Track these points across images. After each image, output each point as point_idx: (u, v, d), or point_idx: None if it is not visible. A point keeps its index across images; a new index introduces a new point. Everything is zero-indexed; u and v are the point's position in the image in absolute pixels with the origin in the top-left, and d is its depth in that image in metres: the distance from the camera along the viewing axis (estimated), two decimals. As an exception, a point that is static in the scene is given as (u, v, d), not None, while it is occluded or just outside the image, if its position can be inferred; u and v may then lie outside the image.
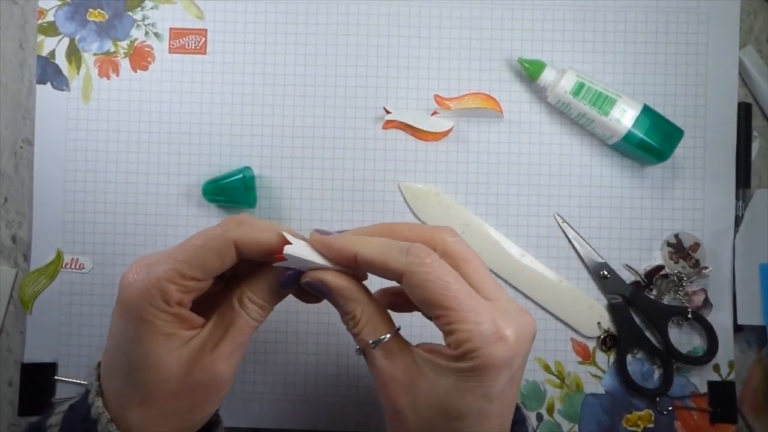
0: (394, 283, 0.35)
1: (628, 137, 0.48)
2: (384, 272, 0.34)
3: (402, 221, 0.50)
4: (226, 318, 0.35)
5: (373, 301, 0.35)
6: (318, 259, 0.35)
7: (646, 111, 0.49)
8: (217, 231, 0.34)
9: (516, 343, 0.32)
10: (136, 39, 0.52)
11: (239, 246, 0.34)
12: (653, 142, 0.48)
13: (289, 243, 0.34)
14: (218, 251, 0.34)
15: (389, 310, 0.36)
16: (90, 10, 0.52)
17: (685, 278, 0.51)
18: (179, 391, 0.34)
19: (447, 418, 0.32)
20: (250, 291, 0.36)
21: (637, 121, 0.48)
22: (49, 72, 0.52)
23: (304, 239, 0.36)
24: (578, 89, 0.48)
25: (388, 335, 0.34)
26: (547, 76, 0.49)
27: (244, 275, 0.37)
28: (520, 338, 0.32)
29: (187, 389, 0.34)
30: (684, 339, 0.52)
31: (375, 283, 0.36)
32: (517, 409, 0.36)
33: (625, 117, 0.48)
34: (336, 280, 0.35)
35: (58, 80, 0.52)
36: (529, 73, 0.50)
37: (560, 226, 0.52)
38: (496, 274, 0.51)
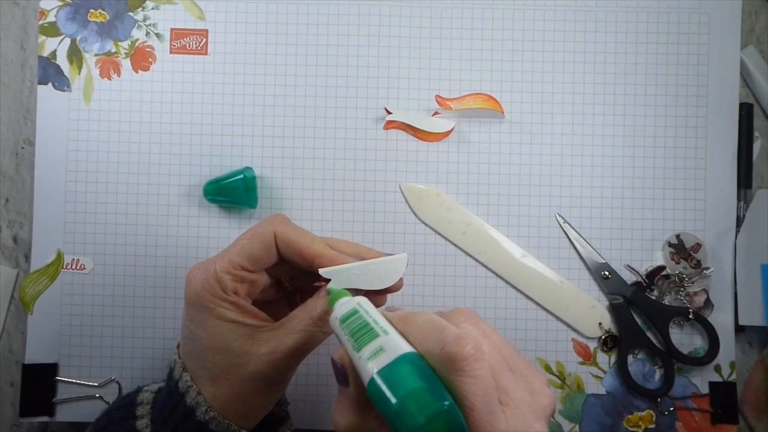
0: None
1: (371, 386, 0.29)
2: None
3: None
4: (295, 323, 0.38)
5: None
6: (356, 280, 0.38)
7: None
8: (263, 225, 0.40)
9: None
10: (137, 39, 0.52)
11: (277, 240, 0.39)
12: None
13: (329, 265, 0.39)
14: (263, 243, 0.39)
15: None
16: (91, 10, 0.52)
17: (686, 279, 0.51)
18: (243, 376, 0.37)
19: None
20: (316, 309, 0.38)
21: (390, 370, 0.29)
22: (50, 72, 0.52)
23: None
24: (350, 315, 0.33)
25: None
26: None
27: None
28: None
29: (249, 376, 0.37)
30: (685, 339, 0.51)
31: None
32: None
33: (378, 357, 0.29)
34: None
35: (59, 81, 0.52)
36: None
37: (561, 227, 0.52)
38: (497, 275, 0.51)
